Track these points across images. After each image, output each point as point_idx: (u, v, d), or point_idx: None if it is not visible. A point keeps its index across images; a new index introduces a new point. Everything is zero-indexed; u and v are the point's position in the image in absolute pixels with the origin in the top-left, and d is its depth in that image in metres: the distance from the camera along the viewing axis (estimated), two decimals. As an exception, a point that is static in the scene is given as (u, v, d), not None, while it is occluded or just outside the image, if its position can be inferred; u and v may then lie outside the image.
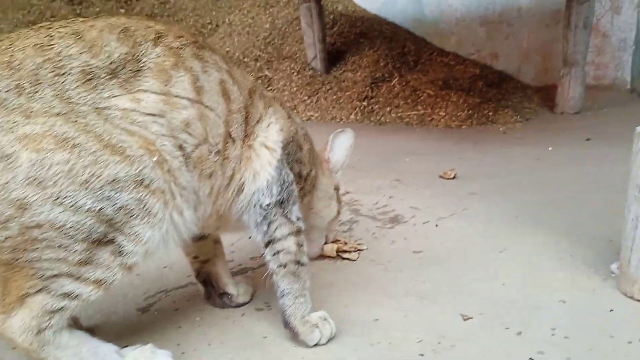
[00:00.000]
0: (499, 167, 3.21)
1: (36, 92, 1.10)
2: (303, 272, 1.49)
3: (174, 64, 1.25)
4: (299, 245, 1.48)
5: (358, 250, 2.10)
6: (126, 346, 1.31)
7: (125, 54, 1.20)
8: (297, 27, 5.99)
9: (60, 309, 1.17)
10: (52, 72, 1.12)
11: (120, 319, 1.64)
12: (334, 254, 2.05)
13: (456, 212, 2.46)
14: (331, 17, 6.22)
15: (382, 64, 5.49)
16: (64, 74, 1.13)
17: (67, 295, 1.16)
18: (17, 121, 1.06)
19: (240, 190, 1.44)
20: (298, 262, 1.48)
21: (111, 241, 1.15)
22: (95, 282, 1.17)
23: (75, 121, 1.11)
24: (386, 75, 5.40)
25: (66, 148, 1.07)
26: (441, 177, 3.04)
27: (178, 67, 1.25)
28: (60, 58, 1.14)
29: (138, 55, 1.21)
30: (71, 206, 1.08)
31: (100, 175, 1.10)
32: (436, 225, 2.32)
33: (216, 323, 1.58)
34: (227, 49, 6.08)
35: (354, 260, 2.02)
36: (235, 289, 1.70)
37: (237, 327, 1.56)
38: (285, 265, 1.46)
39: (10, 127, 1.05)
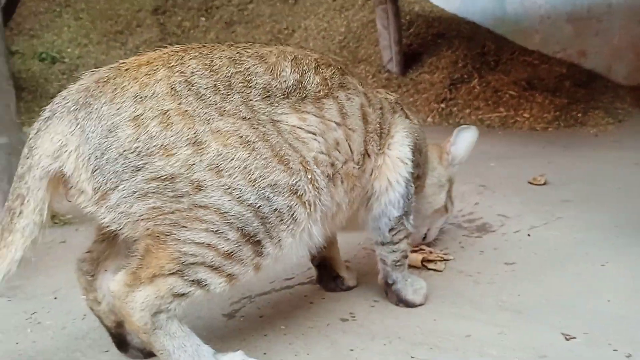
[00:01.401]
0: (593, 173, 3.01)
1: (228, 94, 1.26)
2: (407, 259, 1.72)
3: (325, 94, 1.43)
4: (408, 244, 1.70)
5: (444, 260, 2.01)
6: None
7: (297, 81, 1.38)
8: (373, 30, 5.93)
9: (185, 294, 1.22)
10: (242, 83, 1.30)
11: (206, 323, 1.64)
12: (419, 264, 1.97)
13: (549, 221, 2.32)
14: (407, 18, 6.10)
15: (460, 65, 5.32)
16: (250, 86, 1.30)
17: (197, 282, 1.23)
18: (213, 115, 1.22)
19: (371, 198, 1.62)
20: (406, 256, 1.70)
21: (258, 242, 1.25)
22: (228, 276, 1.25)
23: (257, 128, 1.26)
24: (465, 76, 5.22)
25: (247, 149, 1.22)
26: (530, 183, 2.88)
27: (328, 97, 1.44)
28: (249, 73, 1.32)
29: (304, 83, 1.40)
30: (238, 197, 1.21)
31: (266, 178, 1.23)
32: (528, 235, 2.19)
33: (302, 333, 1.55)
34: (303, 54, 6.11)
35: (441, 270, 1.94)
36: (346, 273, 1.84)
37: (322, 338, 1.52)
38: (397, 261, 1.67)
39: (207, 119, 1.21)
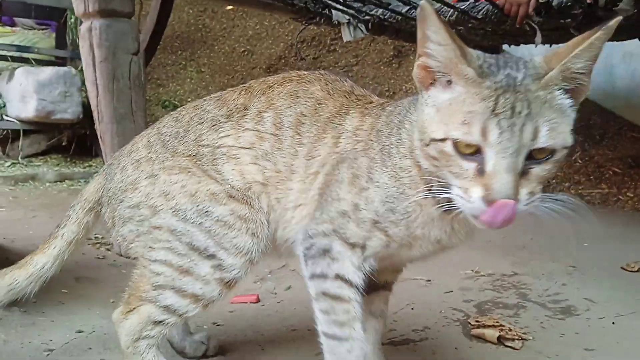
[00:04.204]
0: (696, 265, 2.86)
1: (185, 137, 1.50)
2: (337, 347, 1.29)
3: (266, 107, 1.48)
4: (324, 312, 1.31)
5: (522, 339, 2.02)
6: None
7: (241, 104, 1.50)
8: (474, 97, 6.01)
9: (161, 321, 1.42)
10: (196, 121, 1.51)
11: None
12: (495, 340, 2.00)
13: (637, 310, 2.26)
14: (510, 87, 6.13)
15: (563, 137, 5.24)
16: (202, 122, 1.50)
17: (167, 308, 1.41)
18: (167, 156, 1.49)
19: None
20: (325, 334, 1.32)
21: (212, 256, 1.38)
22: (192, 296, 1.40)
23: (197, 163, 1.45)
24: (567, 148, 5.14)
25: (184, 173, 1.44)
26: (623, 268, 2.80)
27: (268, 110, 1.46)
28: (203, 111, 1.53)
29: (248, 105, 1.49)
30: (182, 216, 1.41)
31: (203, 191, 1.41)
32: (613, 323, 2.15)
33: None
34: (403, 116, 6.29)
35: (517, 349, 1.96)
36: None
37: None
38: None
39: (162, 159, 1.48)
